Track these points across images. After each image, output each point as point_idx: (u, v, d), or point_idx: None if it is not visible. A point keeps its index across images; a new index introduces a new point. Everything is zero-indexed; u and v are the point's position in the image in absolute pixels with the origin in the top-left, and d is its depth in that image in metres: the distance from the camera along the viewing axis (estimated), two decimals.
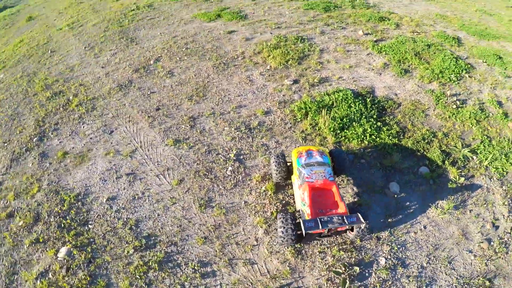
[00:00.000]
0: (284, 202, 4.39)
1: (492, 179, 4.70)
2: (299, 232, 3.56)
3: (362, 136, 5.27)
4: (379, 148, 5.14)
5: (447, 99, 6.12)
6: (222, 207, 4.36)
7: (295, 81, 6.75)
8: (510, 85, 6.47)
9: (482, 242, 3.99)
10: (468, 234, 4.10)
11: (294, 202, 4.32)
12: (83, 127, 5.78)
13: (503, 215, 4.27)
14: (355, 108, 5.81)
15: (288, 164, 4.44)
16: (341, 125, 5.46)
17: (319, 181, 3.80)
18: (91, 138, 5.54)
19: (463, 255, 3.89)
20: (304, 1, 10.81)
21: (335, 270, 3.59)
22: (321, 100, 6.02)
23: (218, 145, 5.29)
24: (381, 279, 3.61)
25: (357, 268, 3.62)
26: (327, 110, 5.64)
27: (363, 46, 7.97)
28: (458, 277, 3.67)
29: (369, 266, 3.71)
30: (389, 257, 3.80)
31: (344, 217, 3.41)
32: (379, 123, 5.54)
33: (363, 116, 5.64)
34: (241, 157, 5.08)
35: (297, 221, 3.65)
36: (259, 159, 5.05)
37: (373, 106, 5.94)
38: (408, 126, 5.58)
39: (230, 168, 4.90)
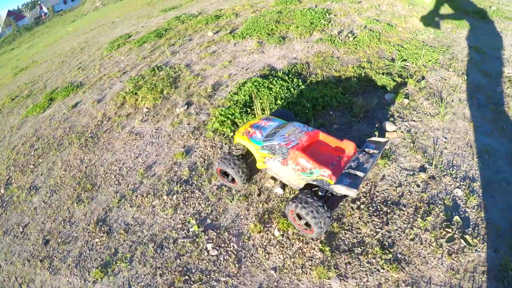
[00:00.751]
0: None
1: (437, 70, 5.43)
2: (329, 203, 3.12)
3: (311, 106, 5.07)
4: (335, 106, 5.06)
5: (340, 38, 6.87)
6: None
7: (188, 104, 5.98)
8: (366, 6, 8.02)
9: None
10: (472, 118, 4.48)
11: (289, 188, 3.81)
12: None
13: (476, 86, 4.96)
14: (278, 87, 5.59)
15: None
16: (282, 108, 5.10)
17: (303, 138, 3.35)
18: None
19: (483, 136, 4.21)
20: (131, 42, 10.49)
21: (445, 232, 3.02)
22: (235, 102, 5.50)
23: (166, 229, 3.82)
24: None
25: (457, 217, 3.18)
26: (259, 103, 5.16)
27: (224, 41, 8.08)
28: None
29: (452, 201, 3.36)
30: (457, 183, 3.59)
31: (366, 150, 3.13)
32: (311, 86, 5.53)
33: (292, 89, 5.50)
34: (208, 220, 3.82)
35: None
36: (232, 205, 3.93)
37: (290, 76, 5.92)
38: (335, 74, 5.83)
39: (208, 245, 3.54)
